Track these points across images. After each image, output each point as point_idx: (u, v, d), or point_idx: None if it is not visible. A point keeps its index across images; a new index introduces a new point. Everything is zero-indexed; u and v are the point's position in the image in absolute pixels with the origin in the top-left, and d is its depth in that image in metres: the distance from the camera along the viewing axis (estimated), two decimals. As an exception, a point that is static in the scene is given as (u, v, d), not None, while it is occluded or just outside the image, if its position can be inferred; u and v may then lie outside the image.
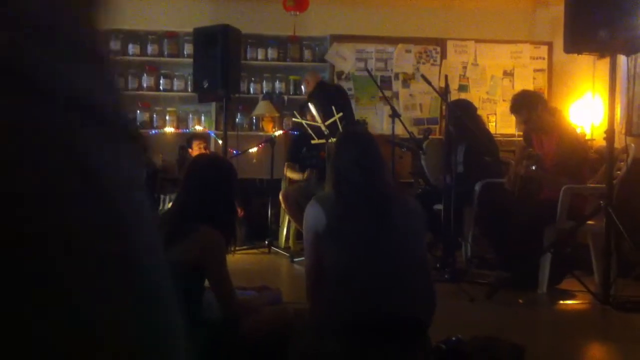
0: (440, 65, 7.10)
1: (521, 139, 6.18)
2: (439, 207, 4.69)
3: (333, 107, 4.95)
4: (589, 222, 4.09)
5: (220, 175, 2.45)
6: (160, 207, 5.78)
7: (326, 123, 4.98)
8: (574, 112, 6.41)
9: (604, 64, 3.99)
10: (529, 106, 4.61)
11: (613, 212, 3.81)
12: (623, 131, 5.69)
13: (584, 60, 5.86)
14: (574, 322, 3.65)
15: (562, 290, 4.25)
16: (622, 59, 5.28)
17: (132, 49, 6.89)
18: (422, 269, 2.36)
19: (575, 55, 4.32)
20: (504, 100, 7.17)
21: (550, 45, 7.14)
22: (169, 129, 6.90)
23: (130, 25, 6.89)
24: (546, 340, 3.17)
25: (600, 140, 4.34)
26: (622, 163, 4.46)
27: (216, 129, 6.72)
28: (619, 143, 4.48)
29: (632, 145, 4.62)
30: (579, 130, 5.23)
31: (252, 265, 4.96)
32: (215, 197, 2.31)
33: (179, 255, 2.21)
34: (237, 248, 5.33)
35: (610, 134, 3.88)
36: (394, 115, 5.18)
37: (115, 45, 6.88)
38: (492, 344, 2.47)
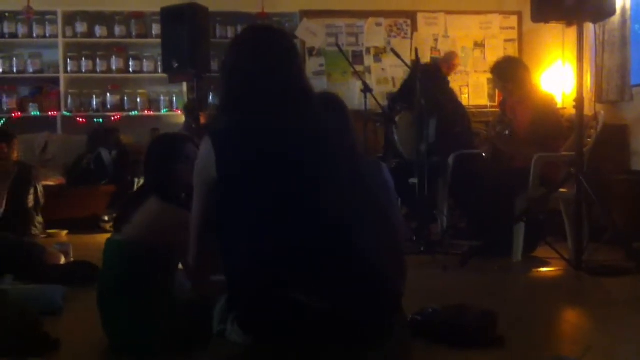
0: (412, 38, 7.09)
1: (494, 109, 6.21)
2: (413, 180, 4.70)
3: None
4: (561, 189, 4.13)
5: (178, 154, 2.41)
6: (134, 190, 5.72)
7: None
8: (545, 81, 6.45)
9: (573, 32, 3.99)
10: (509, 75, 4.60)
11: (584, 179, 3.84)
12: (593, 98, 5.73)
13: (553, 29, 5.89)
14: (548, 288, 3.70)
15: (536, 257, 4.30)
16: (590, 27, 5.30)
17: (98, 30, 6.78)
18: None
19: (544, 24, 4.33)
20: (475, 72, 7.19)
21: (519, 14, 7.16)
22: (141, 111, 6.83)
23: (96, 6, 6.78)
24: (520, 306, 3.21)
25: (571, 109, 4.36)
26: (592, 130, 4.49)
27: (188, 109, 6.65)
28: (589, 110, 4.51)
29: (602, 112, 4.65)
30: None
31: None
32: (175, 175, 2.28)
33: (147, 237, 2.19)
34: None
35: (579, 102, 3.89)
36: (366, 90, 5.18)
37: (81, 27, 6.76)
38: (463, 311, 2.49)
